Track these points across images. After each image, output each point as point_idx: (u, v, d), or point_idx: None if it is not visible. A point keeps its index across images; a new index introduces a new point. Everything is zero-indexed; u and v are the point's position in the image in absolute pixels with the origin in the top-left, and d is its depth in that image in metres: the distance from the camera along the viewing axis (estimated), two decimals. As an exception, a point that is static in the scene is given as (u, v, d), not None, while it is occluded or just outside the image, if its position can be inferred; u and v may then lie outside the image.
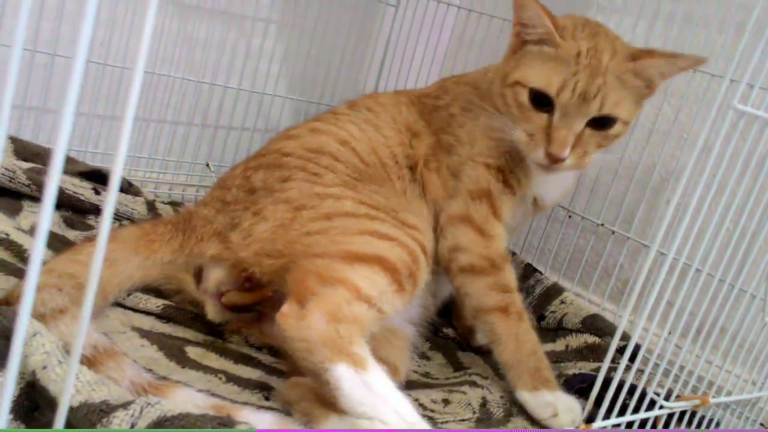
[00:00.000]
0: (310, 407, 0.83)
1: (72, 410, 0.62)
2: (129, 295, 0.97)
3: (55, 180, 0.39)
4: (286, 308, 0.80)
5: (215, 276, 0.95)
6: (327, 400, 0.80)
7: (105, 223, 0.42)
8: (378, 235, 0.90)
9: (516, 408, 1.05)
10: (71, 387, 0.60)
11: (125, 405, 0.62)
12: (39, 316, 0.75)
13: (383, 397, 0.74)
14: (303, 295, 0.81)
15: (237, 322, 0.98)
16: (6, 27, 1.26)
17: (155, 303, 0.97)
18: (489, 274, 1.04)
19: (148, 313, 0.97)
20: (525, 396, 1.01)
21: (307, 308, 0.79)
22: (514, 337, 1.02)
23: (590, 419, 0.85)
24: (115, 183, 0.42)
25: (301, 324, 0.78)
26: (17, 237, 0.98)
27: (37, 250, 0.40)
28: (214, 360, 0.92)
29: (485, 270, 1.04)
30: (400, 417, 0.73)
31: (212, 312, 0.96)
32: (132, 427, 0.60)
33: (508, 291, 1.04)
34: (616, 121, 1.01)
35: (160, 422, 0.60)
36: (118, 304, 0.96)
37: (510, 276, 1.06)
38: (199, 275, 0.97)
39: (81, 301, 0.81)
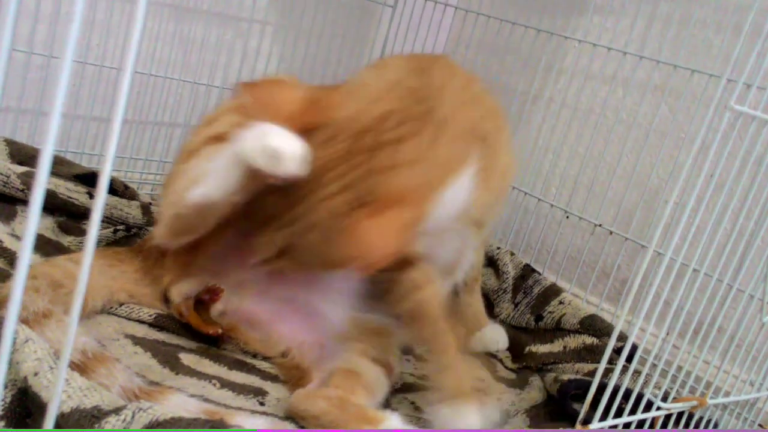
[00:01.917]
0: (337, 422, 0.80)
1: (63, 416, 0.61)
2: (121, 305, 0.97)
3: (42, 183, 0.39)
4: None
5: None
6: (359, 412, 0.80)
7: (93, 224, 0.41)
8: None
9: (513, 409, 1.05)
10: (60, 391, 0.60)
11: (117, 410, 0.62)
12: (23, 321, 0.75)
13: None
14: None
15: (228, 329, 0.98)
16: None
17: (147, 312, 0.97)
18: None
19: (140, 321, 0.96)
20: None
21: None
22: None
23: (587, 421, 0.84)
24: (103, 184, 0.42)
25: None
26: (11, 244, 0.98)
27: (25, 255, 0.39)
28: (208, 366, 0.91)
29: None
30: None
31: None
32: (124, 432, 0.60)
33: None
34: None
35: (151, 426, 0.60)
36: (111, 314, 0.96)
37: None
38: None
39: (60, 300, 0.83)
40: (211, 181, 0.82)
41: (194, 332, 0.97)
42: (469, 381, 0.90)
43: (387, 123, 0.85)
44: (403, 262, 0.92)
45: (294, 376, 0.94)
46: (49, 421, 0.45)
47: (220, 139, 0.91)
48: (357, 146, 0.83)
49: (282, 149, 0.77)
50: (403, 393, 1.00)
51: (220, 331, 0.95)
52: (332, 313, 1.01)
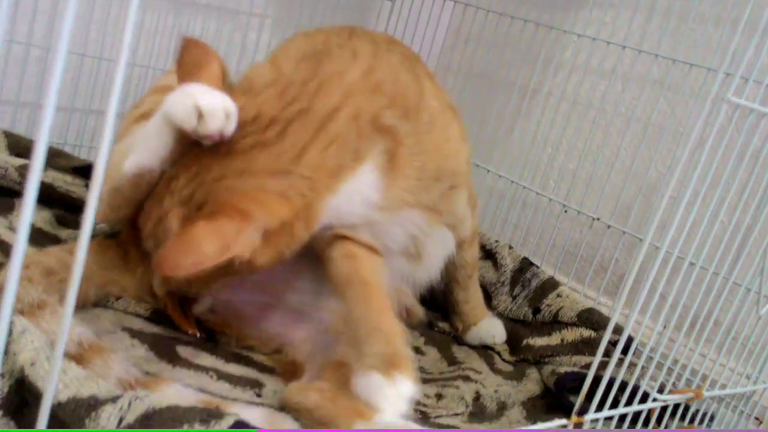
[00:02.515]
0: (329, 415, 0.80)
1: (60, 405, 0.61)
2: (118, 299, 0.97)
3: (36, 173, 0.39)
4: None
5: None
6: (351, 405, 0.80)
7: (89, 213, 0.42)
8: None
9: (510, 401, 1.05)
10: (55, 380, 0.60)
11: (113, 399, 0.62)
12: (18, 312, 0.75)
13: None
14: None
15: (222, 324, 0.98)
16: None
17: (144, 307, 0.98)
18: None
19: (137, 315, 0.97)
20: None
21: None
22: None
23: (583, 412, 0.85)
24: (98, 176, 0.42)
25: None
26: (8, 237, 0.98)
27: (19, 245, 0.40)
28: (205, 359, 0.91)
29: None
30: None
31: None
32: (120, 420, 0.60)
33: None
34: None
35: (148, 415, 0.60)
36: (108, 307, 0.96)
37: None
38: None
39: (53, 288, 0.83)
40: (143, 149, 0.80)
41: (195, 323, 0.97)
42: (402, 347, 0.81)
43: (249, 128, 0.81)
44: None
45: (289, 370, 0.94)
46: (45, 409, 0.45)
47: (147, 116, 0.89)
48: (211, 151, 0.80)
49: (206, 107, 0.75)
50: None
51: (198, 334, 0.95)
52: (319, 307, 1.02)
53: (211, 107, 0.75)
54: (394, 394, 0.75)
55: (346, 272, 0.90)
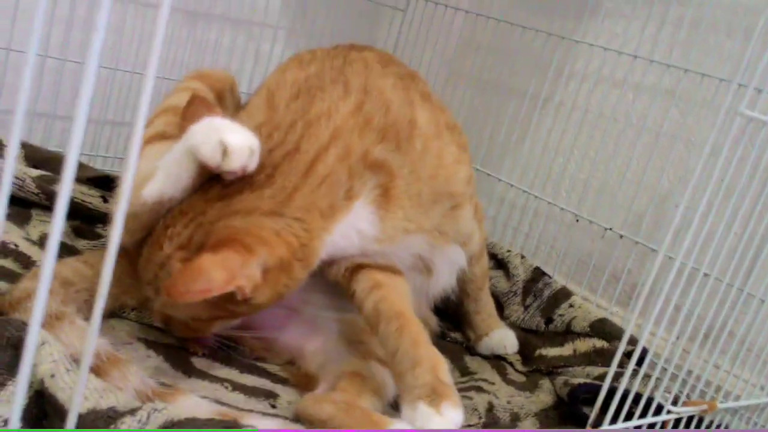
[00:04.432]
0: (344, 426, 0.80)
1: (80, 417, 0.62)
2: (132, 310, 0.98)
3: (65, 193, 0.39)
4: None
5: None
6: (366, 416, 0.80)
7: (115, 231, 0.42)
8: None
9: (523, 412, 1.05)
10: (82, 392, 0.61)
11: (132, 411, 0.63)
12: None
13: None
14: None
15: (236, 337, 0.98)
16: (20, 32, 1.27)
17: None
18: None
19: (152, 326, 0.97)
20: None
21: None
22: None
23: (597, 424, 0.85)
24: (126, 189, 0.42)
25: None
26: (26, 248, 0.99)
27: (49, 261, 0.40)
28: (219, 369, 0.92)
29: None
30: None
31: None
32: (140, 433, 0.61)
33: None
34: None
35: (167, 427, 0.61)
36: (123, 318, 0.97)
37: None
38: None
39: (70, 299, 0.83)
40: (164, 178, 0.81)
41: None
42: (446, 376, 0.82)
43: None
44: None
45: (302, 382, 0.95)
46: (71, 422, 0.46)
47: (160, 137, 0.90)
48: (204, 196, 0.82)
49: (232, 144, 0.76)
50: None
51: (200, 353, 0.94)
52: (330, 318, 1.02)
53: (237, 144, 0.77)
54: (442, 423, 0.77)
55: (376, 306, 0.90)
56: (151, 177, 0.81)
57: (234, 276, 0.75)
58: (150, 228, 0.85)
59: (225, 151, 0.76)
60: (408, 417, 0.79)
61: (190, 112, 0.84)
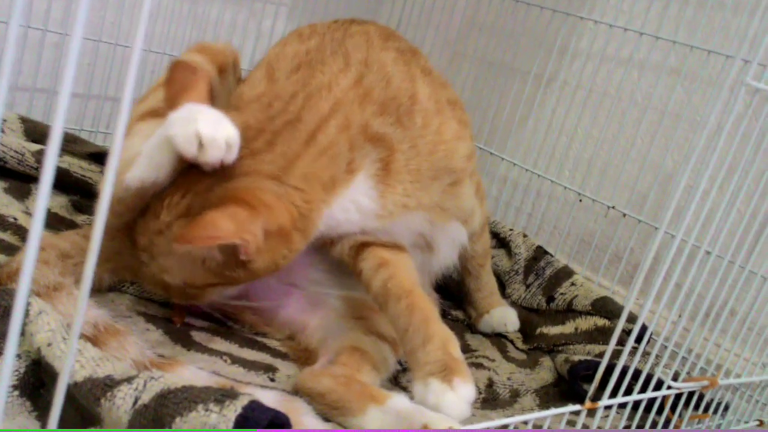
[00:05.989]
0: (342, 400, 0.81)
1: (76, 385, 0.62)
2: (132, 284, 0.98)
3: (52, 157, 0.39)
4: None
5: None
6: (364, 390, 0.80)
7: (105, 195, 0.42)
8: None
9: (523, 388, 1.05)
10: (72, 359, 0.61)
11: (129, 379, 0.63)
12: (35, 294, 0.75)
13: None
14: None
15: (235, 312, 0.98)
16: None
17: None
18: None
19: (152, 300, 0.97)
20: None
21: None
22: None
23: (596, 399, 0.84)
24: (113, 163, 0.42)
25: None
26: (25, 222, 0.99)
27: (36, 229, 0.40)
28: (219, 343, 0.92)
29: None
30: None
31: None
32: (136, 400, 0.61)
33: None
34: None
35: (163, 395, 0.61)
36: (123, 291, 0.97)
37: None
38: None
39: (68, 271, 0.83)
40: (145, 164, 0.79)
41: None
42: (457, 352, 0.82)
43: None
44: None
45: (302, 356, 0.95)
46: (61, 387, 0.46)
47: (152, 114, 0.89)
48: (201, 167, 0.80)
49: (207, 137, 0.74)
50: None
51: (178, 324, 0.94)
52: (330, 294, 1.02)
53: (211, 137, 0.74)
54: (455, 399, 0.77)
55: (385, 284, 0.90)
56: (135, 161, 0.80)
57: (241, 228, 0.74)
58: (138, 209, 0.84)
59: (200, 144, 0.74)
60: (419, 393, 0.79)
61: (173, 79, 0.83)
